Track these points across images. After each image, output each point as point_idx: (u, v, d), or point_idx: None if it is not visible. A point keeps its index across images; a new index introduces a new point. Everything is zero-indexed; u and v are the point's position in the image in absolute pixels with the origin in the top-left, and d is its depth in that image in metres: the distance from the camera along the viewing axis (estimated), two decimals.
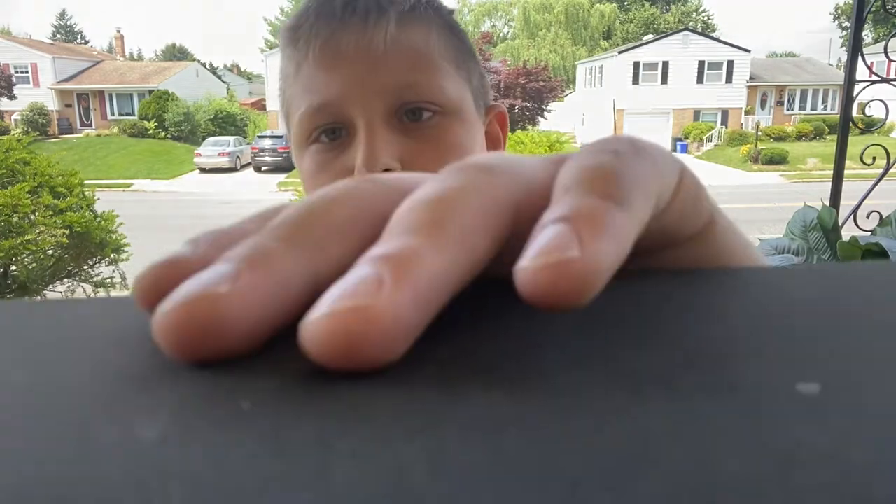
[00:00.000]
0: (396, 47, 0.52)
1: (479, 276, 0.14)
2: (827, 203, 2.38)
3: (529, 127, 25.38)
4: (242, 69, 55.52)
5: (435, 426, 0.10)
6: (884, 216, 2.16)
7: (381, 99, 0.52)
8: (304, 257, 0.14)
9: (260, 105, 38.49)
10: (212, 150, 26.18)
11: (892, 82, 2.52)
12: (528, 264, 0.13)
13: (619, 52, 31.65)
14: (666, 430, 0.09)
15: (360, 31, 0.51)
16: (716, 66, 30.75)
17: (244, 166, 26.79)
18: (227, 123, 31.75)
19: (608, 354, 0.13)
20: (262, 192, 21.01)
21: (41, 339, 0.14)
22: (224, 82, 41.24)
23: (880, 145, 2.41)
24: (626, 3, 50.68)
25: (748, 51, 31.20)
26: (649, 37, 36.34)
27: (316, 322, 0.12)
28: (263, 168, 25.81)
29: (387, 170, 0.50)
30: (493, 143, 0.61)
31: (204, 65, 42.79)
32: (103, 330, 0.15)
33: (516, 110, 24.55)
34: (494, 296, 0.16)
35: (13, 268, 3.30)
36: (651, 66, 30.76)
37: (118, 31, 43.49)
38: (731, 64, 30.77)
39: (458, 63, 0.56)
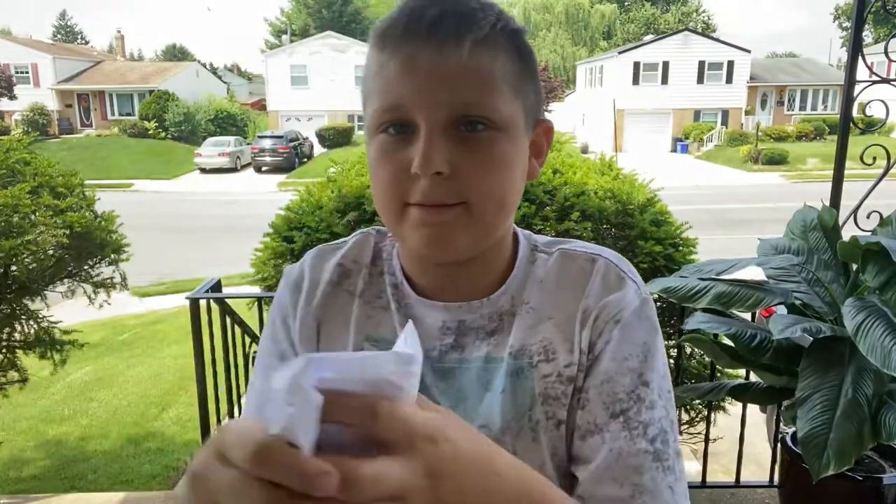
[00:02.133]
0: (465, 69, 0.60)
1: None
2: (827, 203, 2.38)
3: None
4: (242, 69, 55.51)
5: None
6: (884, 216, 2.16)
7: (444, 110, 0.60)
8: None
9: (260, 105, 38.45)
10: (212, 150, 26.15)
11: (892, 82, 2.52)
12: None
13: (620, 53, 31.62)
14: None
15: (437, 52, 0.59)
16: (716, 66, 30.71)
17: (244, 166, 26.77)
18: (227, 124, 31.71)
19: None
20: (262, 192, 20.99)
21: None
22: (224, 82, 41.19)
23: (880, 145, 2.41)
24: (626, 4, 50.63)
25: (748, 51, 31.16)
26: (649, 37, 36.29)
27: None
28: (263, 168, 25.79)
29: (438, 172, 0.60)
30: (538, 152, 0.70)
31: (204, 65, 42.74)
32: None
33: None
34: None
35: (13, 268, 3.30)
36: (651, 66, 30.72)
37: (118, 32, 43.48)
38: (731, 64, 30.74)
39: (517, 86, 0.63)
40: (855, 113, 2.48)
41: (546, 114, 0.72)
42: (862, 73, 2.48)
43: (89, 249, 3.56)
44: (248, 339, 2.84)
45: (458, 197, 0.62)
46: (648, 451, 0.63)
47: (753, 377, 2.31)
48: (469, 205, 0.62)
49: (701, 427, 2.94)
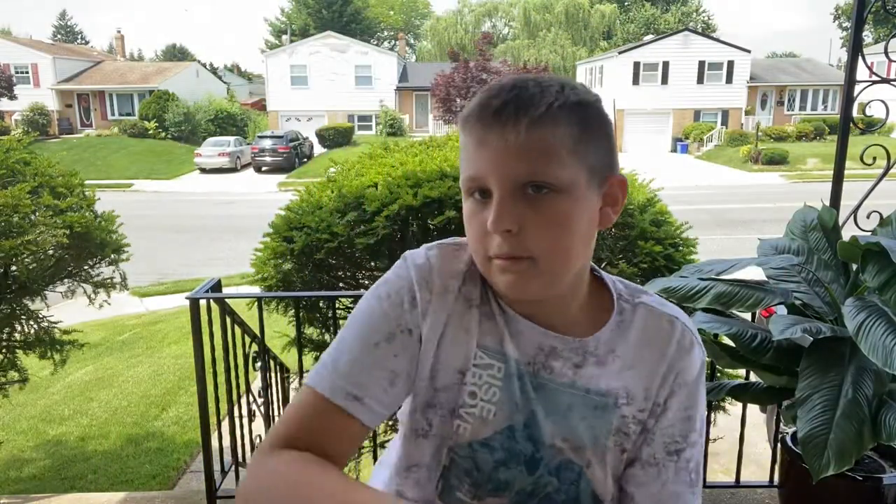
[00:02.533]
0: (525, 143, 0.73)
1: None
2: (827, 203, 2.37)
3: None
4: (243, 69, 55.48)
5: None
6: (884, 216, 2.16)
7: (510, 178, 0.74)
8: None
9: (260, 105, 38.43)
10: (212, 150, 26.14)
11: (893, 82, 2.52)
12: None
13: (620, 53, 31.62)
14: None
15: (501, 132, 0.74)
16: (716, 66, 30.71)
17: (244, 166, 26.76)
18: (227, 124, 31.69)
19: None
20: (262, 192, 20.98)
21: None
22: (224, 82, 41.16)
23: (880, 145, 2.41)
24: (626, 4, 50.61)
25: (748, 51, 31.15)
26: (649, 37, 36.26)
27: None
28: (263, 168, 25.78)
29: (507, 230, 0.73)
30: (613, 202, 0.81)
31: (204, 65, 42.70)
32: None
33: None
34: None
35: (13, 268, 3.30)
36: (651, 66, 30.72)
37: (118, 32, 43.46)
38: (731, 64, 30.73)
39: (577, 150, 0.75)
40: (855, 113, 2.48)
41: None
42: (862, 73, 2.48)
43: (89, 249, 3.55)
44: (248, 339, 2.84)
45: (526, 251, 0.74)
46: (686, 480, 0.86)
47: (753, 377, 2.31)
48: (536, 259, 0.75)
49: None
